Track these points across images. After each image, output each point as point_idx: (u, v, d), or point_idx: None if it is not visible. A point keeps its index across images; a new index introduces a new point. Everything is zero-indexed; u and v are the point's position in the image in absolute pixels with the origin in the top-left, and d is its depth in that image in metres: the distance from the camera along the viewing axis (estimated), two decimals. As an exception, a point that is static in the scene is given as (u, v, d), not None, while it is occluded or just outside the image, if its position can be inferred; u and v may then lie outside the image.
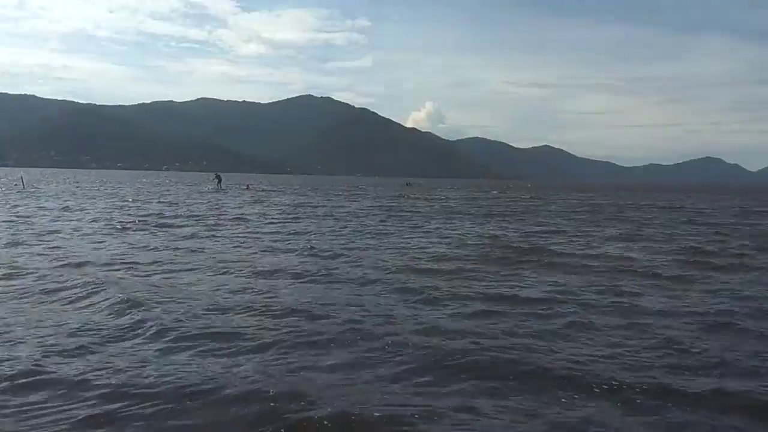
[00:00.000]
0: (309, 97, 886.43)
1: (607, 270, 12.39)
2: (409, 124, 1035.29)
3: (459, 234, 19.82)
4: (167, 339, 6.83)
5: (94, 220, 21.92)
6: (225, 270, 11.62)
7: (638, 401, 5.26)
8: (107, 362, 5.96)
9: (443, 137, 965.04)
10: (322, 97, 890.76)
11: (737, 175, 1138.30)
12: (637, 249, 16.21)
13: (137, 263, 12.17)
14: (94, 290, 9.22)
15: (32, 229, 18.36)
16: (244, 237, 17.62)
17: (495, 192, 78.29)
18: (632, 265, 13.11)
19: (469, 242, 17.27)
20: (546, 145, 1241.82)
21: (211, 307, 8.39)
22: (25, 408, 4.91)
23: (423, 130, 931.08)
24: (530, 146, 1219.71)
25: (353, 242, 16.98)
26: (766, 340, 7.14)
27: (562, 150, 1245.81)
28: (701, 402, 5.23)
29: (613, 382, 5.59)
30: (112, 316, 7.86)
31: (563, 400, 5.28)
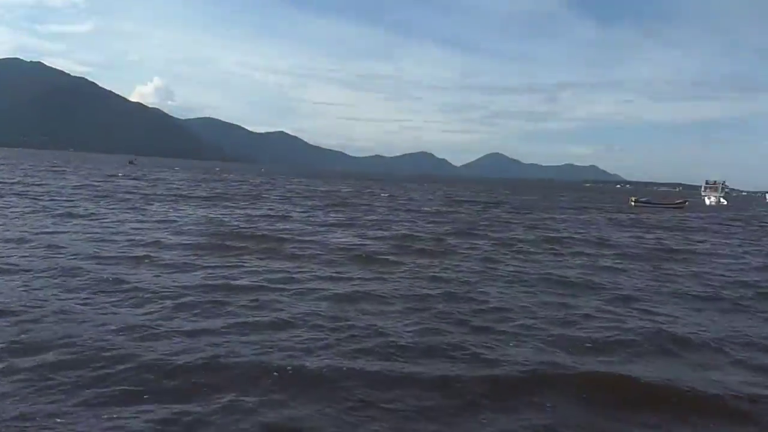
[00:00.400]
0: (17, 61, 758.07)
1: (325, 255, 12.65)
2: (134, 99, 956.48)
3: (181, 218, 18.53)
4: None
5: None
6: None
7: (340, 388, 5.29)
8: None
9: (173, 115, 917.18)
10: (32, 61, 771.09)
11: (445, 168, 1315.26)
12: (356, 234, 17.01)
13: None
14: None
15: None
16: None
17: (226, 174, 76.59)
18: (350, 250, 13.63)
19: (191, 227, 16.23)
20: (281, 131, 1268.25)
21: None
22: None
23: (150, 106, 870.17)
24: (266, 131, 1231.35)
25: (48, 225, 14.61)
26: (454, 321, 7.82)
27: (297, 137, 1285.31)
28: (397, 383, 5.46)
29: (324, 373, 5.55)
30: None
31: (268, 393, 5.14)
